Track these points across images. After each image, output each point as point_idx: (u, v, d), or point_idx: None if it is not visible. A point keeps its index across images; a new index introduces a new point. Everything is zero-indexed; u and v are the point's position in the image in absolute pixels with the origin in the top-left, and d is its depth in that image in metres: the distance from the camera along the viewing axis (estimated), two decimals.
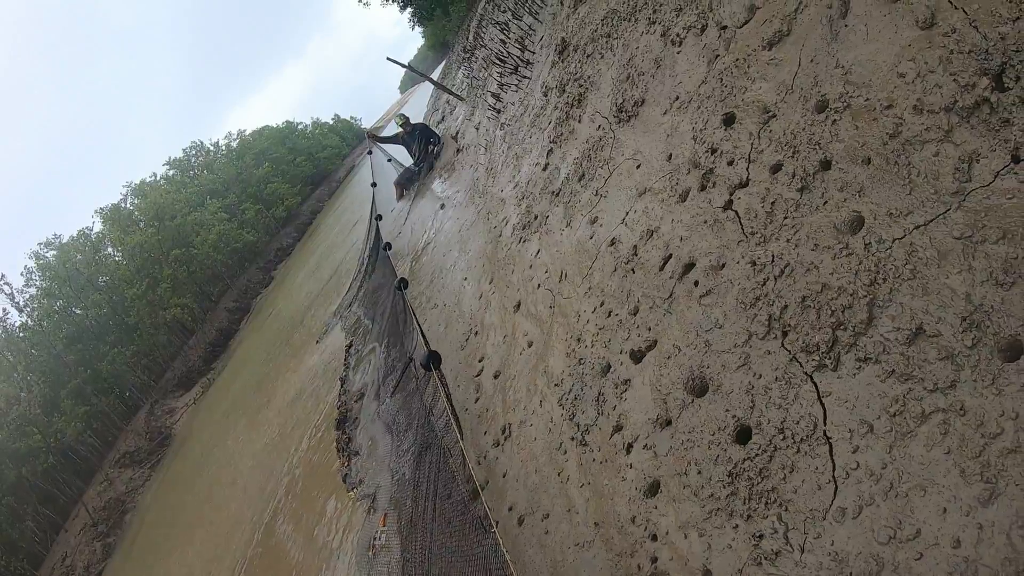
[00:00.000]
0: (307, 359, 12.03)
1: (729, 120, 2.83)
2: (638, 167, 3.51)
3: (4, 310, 35.53)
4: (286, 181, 61.26)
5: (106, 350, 34.92)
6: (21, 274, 39.73)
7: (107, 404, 31.92)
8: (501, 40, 10.77)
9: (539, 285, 4.15)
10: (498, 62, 9.53)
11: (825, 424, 1.85)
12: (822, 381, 1.91)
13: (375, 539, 4.39)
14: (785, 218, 2.25)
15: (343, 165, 73.54)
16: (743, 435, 2.08)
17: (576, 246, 3.80)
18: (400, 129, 13.93)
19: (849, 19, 2.42)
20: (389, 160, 16.33)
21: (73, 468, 28.23)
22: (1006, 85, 1.76)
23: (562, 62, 5.98)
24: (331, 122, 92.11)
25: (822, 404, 1.89)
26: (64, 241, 41.80)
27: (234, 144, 67.93)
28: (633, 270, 3.03)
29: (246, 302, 40.23)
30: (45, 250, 40.77)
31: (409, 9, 35.84)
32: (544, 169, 5.15)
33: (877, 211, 1.95)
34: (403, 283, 7.25)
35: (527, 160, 5.95)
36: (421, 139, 13.70)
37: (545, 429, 3.24)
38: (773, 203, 2.32)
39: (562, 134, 5.02)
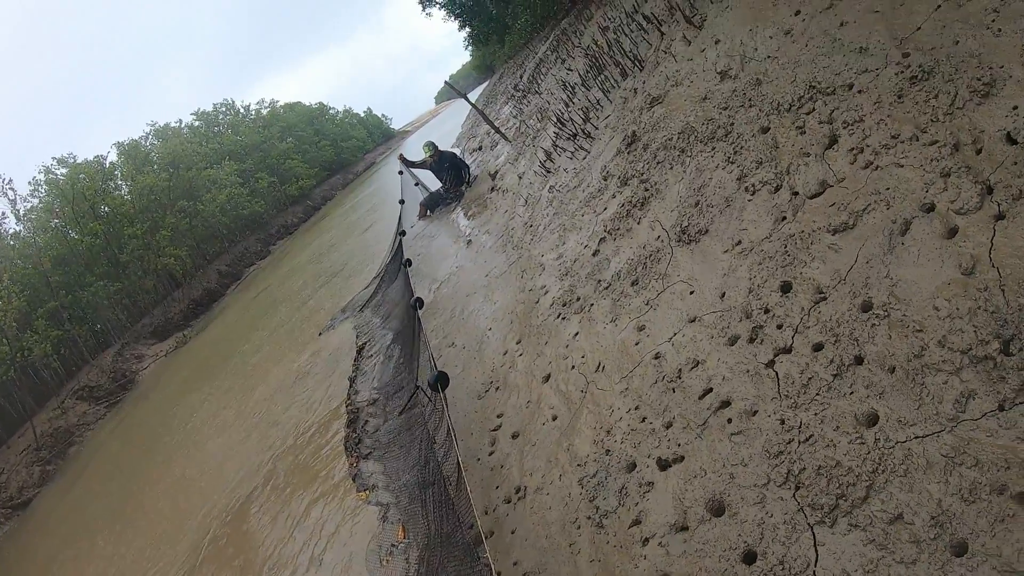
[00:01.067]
0: (302, 352, 11.89)
1: (786, 288, 3.30)
2: (691, 293, 3.97)
3: (3, 214, 35.61)
4: (305, 161, 61.83)
5: (91, 280, 34.78)
6: (28, 183, 39.82)
7: (79, 333, 31.78)
8: (563, 101, 11.26)
9: (573, 367, 4.49)
10: (557, 123, 9.95)
11: (815, 566, 2.33)
12: (819, 533, 2.39)
13: (392, 547, 4.51)
14: (817, 394, 2.75)
15: (363, 160, 74.23)
16: (749, 557, 2.54)
17: (619, 345, 4.20)
18: (428, 156, 14.46)
19: (907, 238, 2.88)
20: (416, 184, 16.94)
21: (31, 387, 27.95)
22: (1011, 352, 2.28)
23: (628, 154, 6.33)
24: (362, 115, 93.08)
25: (816, 550, 2.37)
26: (78, 162, 41.88)
27: (264, 112, 68.57)
28: (673, 390, 3.45)
29: (239, 269, 40.43)
30: (57, 167, 40.84)
31: (467, 29, 36.97)
32: (594, 255, 5.53)
33: (890, 414, 2.46)
34: (419, 303, 7.46)
35: (575, 236, 6.30)
36: (452, 169, 14.25)
37: (561, 502, 3.59)
38: (810, 378, 2.81)
39: (619, 228, 5.38)
